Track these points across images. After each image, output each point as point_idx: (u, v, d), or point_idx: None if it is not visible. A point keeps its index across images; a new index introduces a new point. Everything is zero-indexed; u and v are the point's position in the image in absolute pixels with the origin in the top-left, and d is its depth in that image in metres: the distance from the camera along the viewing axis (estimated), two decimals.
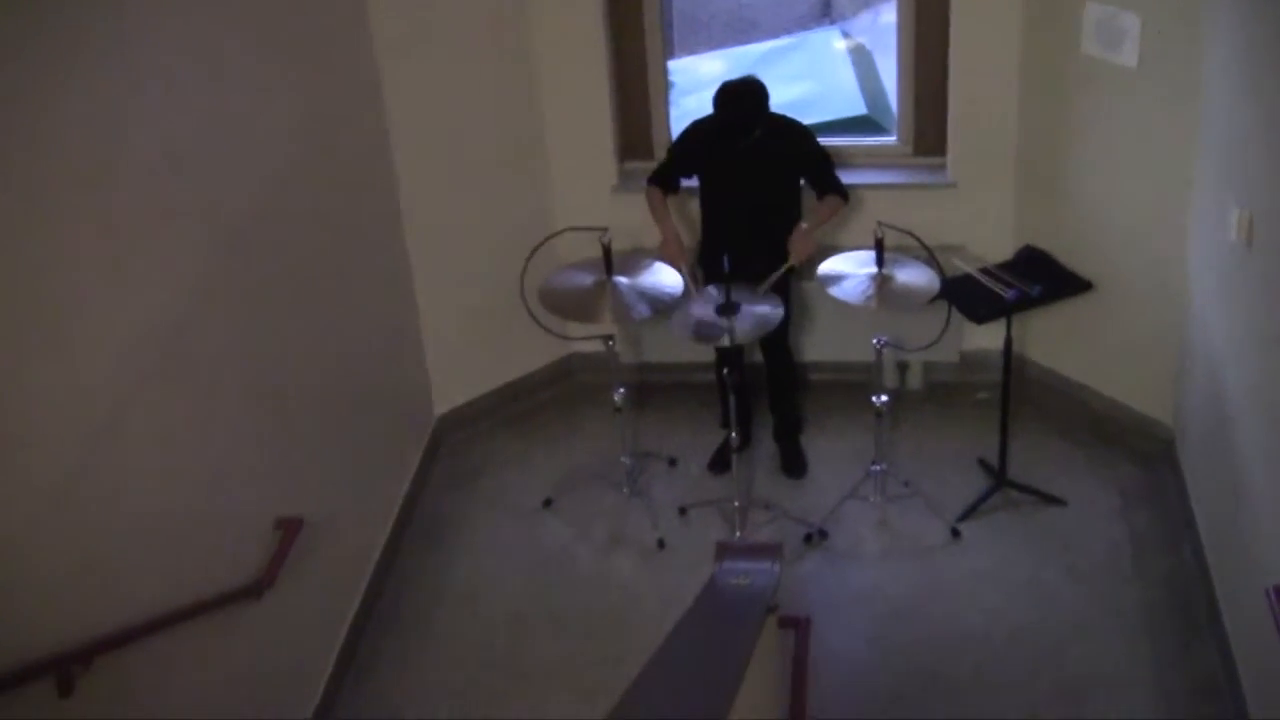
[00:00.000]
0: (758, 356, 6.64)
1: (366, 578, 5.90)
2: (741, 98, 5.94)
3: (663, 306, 5.95)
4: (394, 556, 6.19)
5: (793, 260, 6.11)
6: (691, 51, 9.42)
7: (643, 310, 5.96)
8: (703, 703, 3.15)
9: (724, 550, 4.56)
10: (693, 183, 6.38)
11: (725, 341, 5.74)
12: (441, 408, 6.90)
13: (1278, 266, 4.63)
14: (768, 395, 6.69)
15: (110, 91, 3.96)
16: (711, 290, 5.93)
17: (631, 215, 6.49)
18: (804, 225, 6.14)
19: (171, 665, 4.29)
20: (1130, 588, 5.79)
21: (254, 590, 4.69)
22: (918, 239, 5.92)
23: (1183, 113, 5.70)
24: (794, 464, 6.62)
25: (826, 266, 6.05)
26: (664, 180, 6.31)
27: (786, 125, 6.18)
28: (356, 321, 5.87)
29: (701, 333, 5.78)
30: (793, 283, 6.42)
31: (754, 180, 6.13)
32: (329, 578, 5.51)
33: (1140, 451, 6.50)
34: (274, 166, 5.06)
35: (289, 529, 4.93)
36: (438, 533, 6.38)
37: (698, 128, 6.27)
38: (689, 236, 6.55)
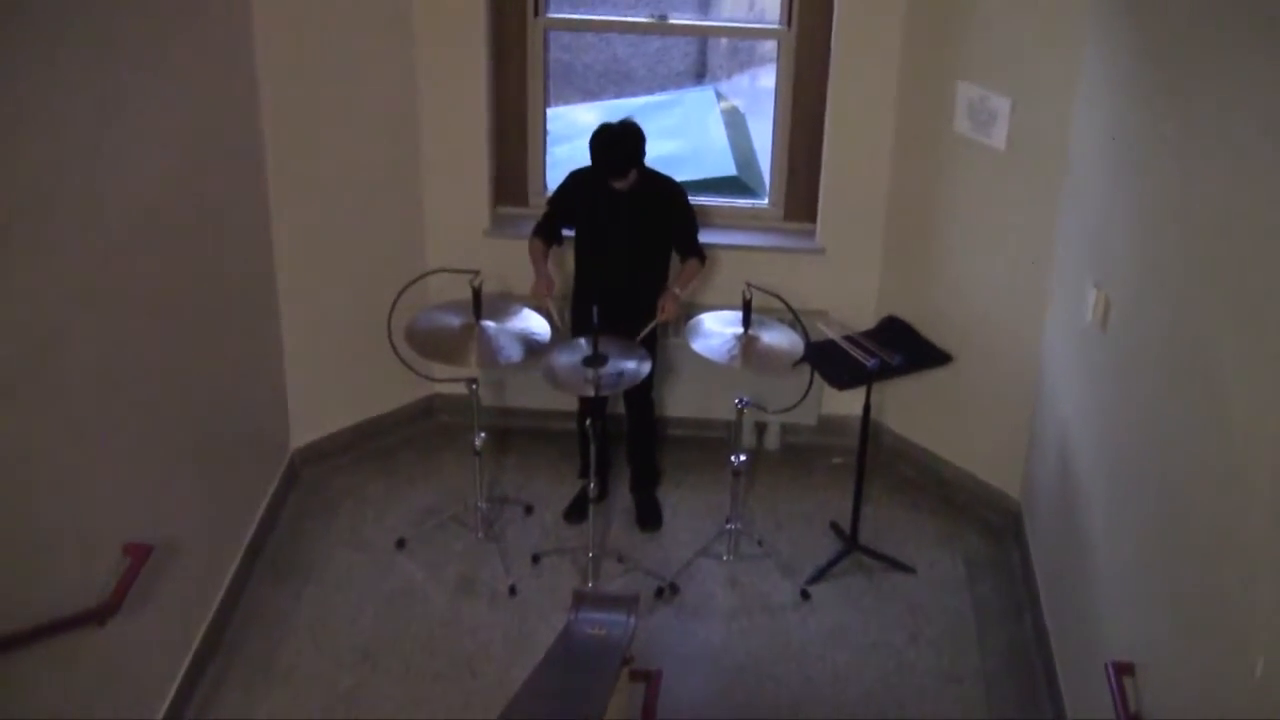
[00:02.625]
0: (617, 408, 6.68)
1: (213, 608, 5.79)
2: (617, 139, 5.99)
3: (529, 353, 5.97)
4: (243, 587, 6.09)
5: (661, 317, 6.18)
6: (566, 101, 9.49)
7: (508, 355, 5.96)
8: None
9: (580, 599, 4.57)
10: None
11: (591, 391, 5.77)
12: (299, 440, 6.83)
13: (1129, 349, 4.78)
14: (626, 447, 6.72)
15: None
16: (580, 340, 5.98)
17: (503, 259, 6.51)
18: (676, 290, 6.22)
19: (5, 690, 4.18)
20: (972, 655, 5.90)
21: (97, 616, 4.59)
22: (784, 302, 6.01)
23: (1047, 196, 5.87)
24: (649, 517, 6.65)
25: (693, 324, 6.12)
26: (546, 232, 6.34)
27: (663, 182, 6.25)
28: (219, 348, 5.80)
29: (572, 380, 5.81)
30: (658, 338, 6.48)
31: (627, 232, 6.19)
32: (175, 606, 5.40)
33: (988, 523, 6.64)
34: (150, 186, 4.99)
35: (137, 555, 4.83)
36: (288, 566, 6.29)
37: (575, 177, 6.32)
38: (563, 284, 6.57)
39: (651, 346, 6.22)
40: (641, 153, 6.04)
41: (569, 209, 6.32)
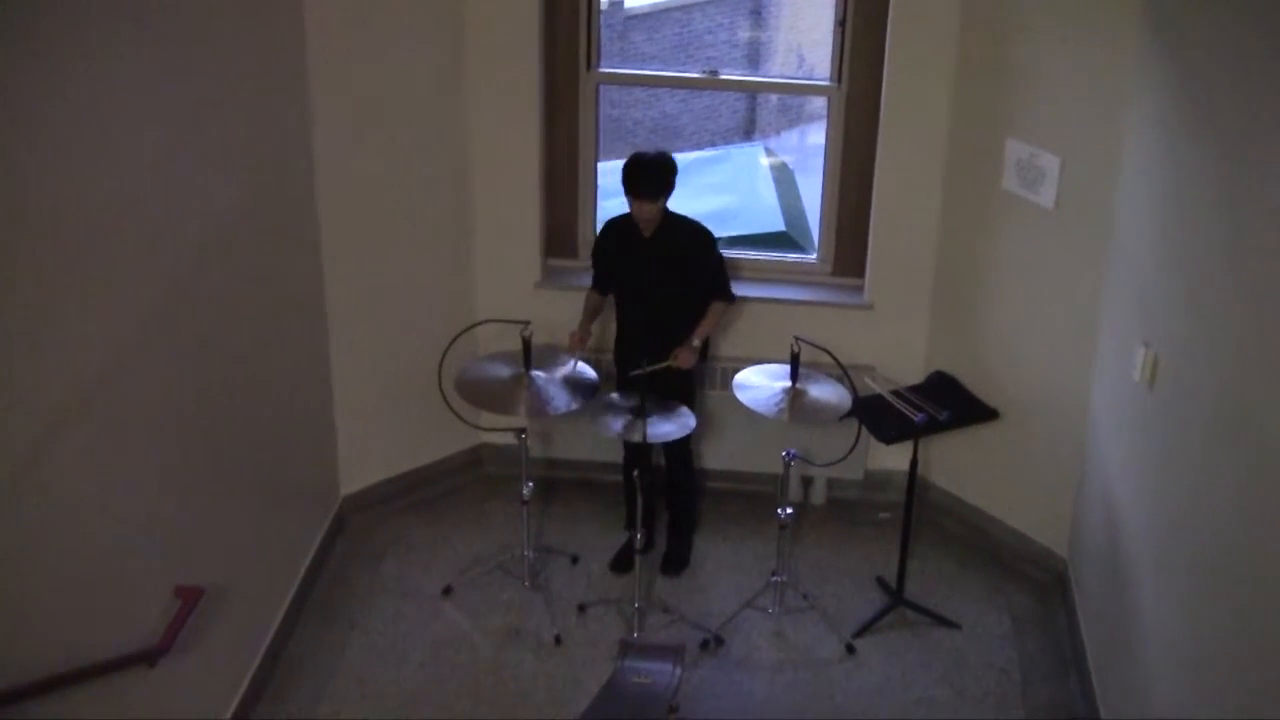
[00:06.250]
0: (661, 459, 6.71)
1: (261, 652, 5.83)
2: (653, 161, 6.06)
3: (578, 403, 6.02)
4: (290, 632, 6.14)
5: (672, 362, 6.19)
6: (616, 156, 9.56)
7: (557, 405, 6.01)
8: None
9: (626, 648, 4.60)
10: None
11: (638, 437, 5.81)
12: (349, 487, 6.89)
13: (1177, 408, 4.78)
14: (664, 494, 6.75)
15: (55, 137, 3.97)
16: (615, 394, 6.14)
17: (553, 311, 6.57)
18: (695, 341, 6.24)
19: None
20: (1017, 713, 5.86)
21: (148, 657, 4.63)
22: (833, 356, 6.04)
23: (1095, 254, 5.89)
24: (671, 561, 6.68)
25: (741, 377, 6.15)
26: (598, 284, 6.43)
27: (689, 225, 6.29)
28: (271, 394, 5.86)
29: (620, 429, 5.86)
30: (696, 391, 6.51)
31: (658, 276, 6.24)
32: (224, 649, 5.45)
33: (1034, 579, 6.62)
34: (206, 230, 5.06)
35: (188, 597, 4.87)
36: (335, 612, 6.34)
37: (608, 225, 6.42)
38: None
39: (690, 400, 6.26)
40: (672, 182, 6.08)
41: (605, 258, 6.40)
